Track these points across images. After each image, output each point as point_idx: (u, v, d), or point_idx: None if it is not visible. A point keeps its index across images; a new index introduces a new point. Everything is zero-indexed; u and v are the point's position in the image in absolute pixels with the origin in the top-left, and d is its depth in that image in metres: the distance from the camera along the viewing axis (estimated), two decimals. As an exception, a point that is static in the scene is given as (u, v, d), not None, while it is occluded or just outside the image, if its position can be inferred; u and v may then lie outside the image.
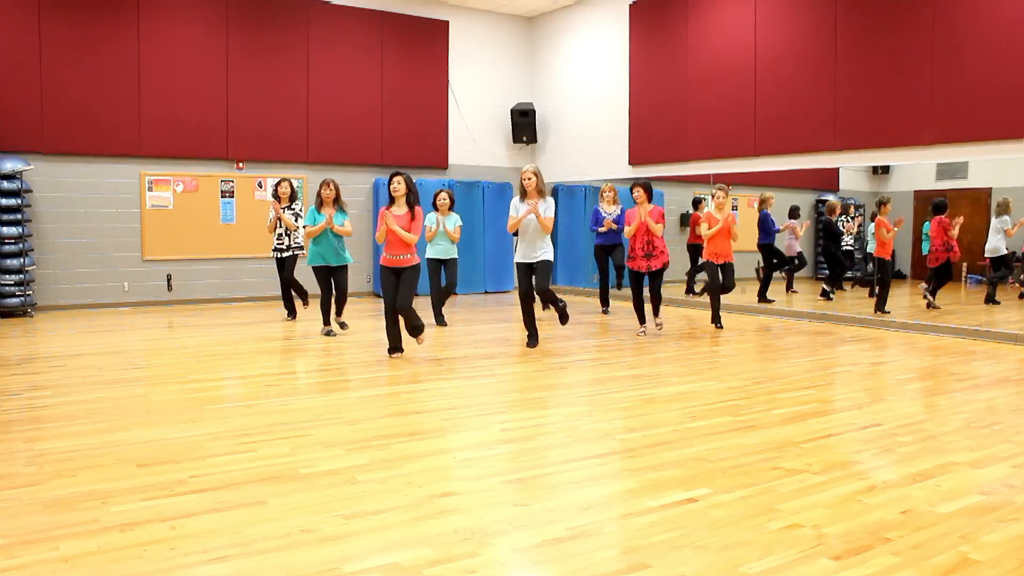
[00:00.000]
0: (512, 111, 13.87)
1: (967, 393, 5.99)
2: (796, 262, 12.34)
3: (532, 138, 13.95)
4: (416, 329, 7.09)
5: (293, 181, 9.61)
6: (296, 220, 9.22)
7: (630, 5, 12.41)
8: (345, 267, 8.44)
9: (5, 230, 9.67)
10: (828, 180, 14.83)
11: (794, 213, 12.37)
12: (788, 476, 3.87)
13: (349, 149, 12.48)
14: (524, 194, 7.49)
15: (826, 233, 12.16)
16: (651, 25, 12.13)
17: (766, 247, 11.50)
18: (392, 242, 6.91)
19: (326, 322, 8.50)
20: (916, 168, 13.75)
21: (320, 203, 8.25)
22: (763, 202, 11.48)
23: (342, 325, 8.72)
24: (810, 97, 10.05)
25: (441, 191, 9.22)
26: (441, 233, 9.10)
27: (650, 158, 12.28)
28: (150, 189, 11.15)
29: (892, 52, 9.23)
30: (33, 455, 4.12)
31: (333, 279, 8.42)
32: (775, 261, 11.65)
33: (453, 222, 9.14)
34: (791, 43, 10.26)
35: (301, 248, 9.35)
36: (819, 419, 5.06)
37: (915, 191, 13.92)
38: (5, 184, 9.65)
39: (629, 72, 12.47)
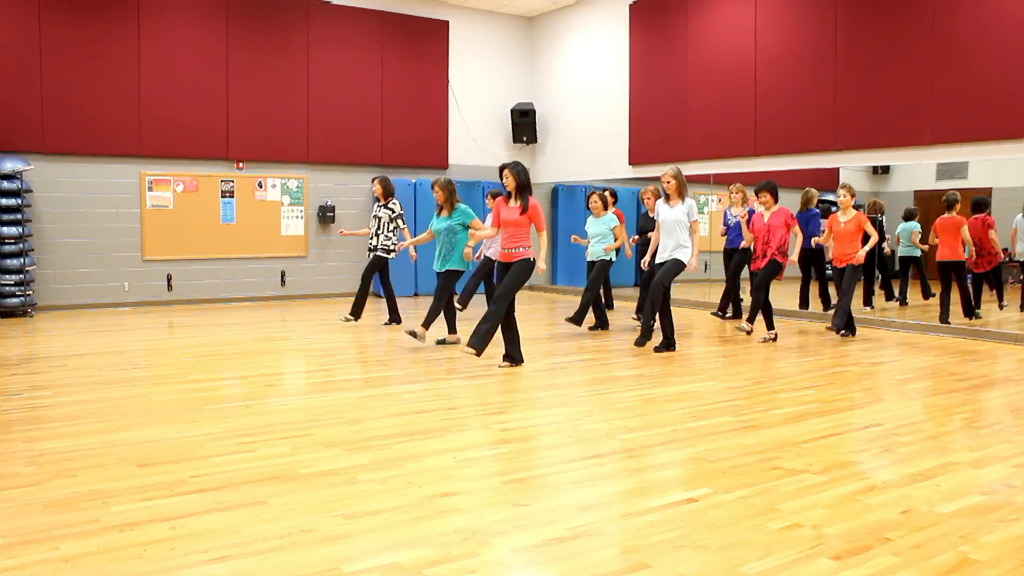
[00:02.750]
0: (512, 111, 13.87)
1: (967, 393, 5.99)
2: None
3: (532, 138, 13.95)
4: (481, 335, 6.48)
5: (389, 177, 9.18)
6: (392, 221, 8.84)
7: (630, 5, 12.41)
8: (446, 273, 7.67)
9: (5, 230, 9.67)
10: (828, 180, 14.82)
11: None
12: (788, 476, 3.87)
13: (349, 149, 12.48)
14: (668, 196, 7.58)
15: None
16: (651, 25, 12.13)
17: (811, 250, 9.99)
18: (503, 234, 6.69)
19: (451, 330, 7.90)
20: (916, 168, 13.74)
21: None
22: (808, 200, 10.31)
23: (439, 341, 7.83)
24: (810, 97, 10.05)
25: (592, 193, 8.95)
26: (593, 236, 8.78)
27: (650, 158, 12.28)
28: (150, 189, 11.15)
29: (892, 52, 9.23)
30: (33, 455, 4.12)
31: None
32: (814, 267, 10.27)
33: (604, 224, 8.74)
34: (791, 43, 10.26)
35: (388, 251, 8.91)
36: (819, 419, 5.06)
37: (915, 191, 13.92)
38: (5, 184, 9.65)
39: (629, 72, 12.47)
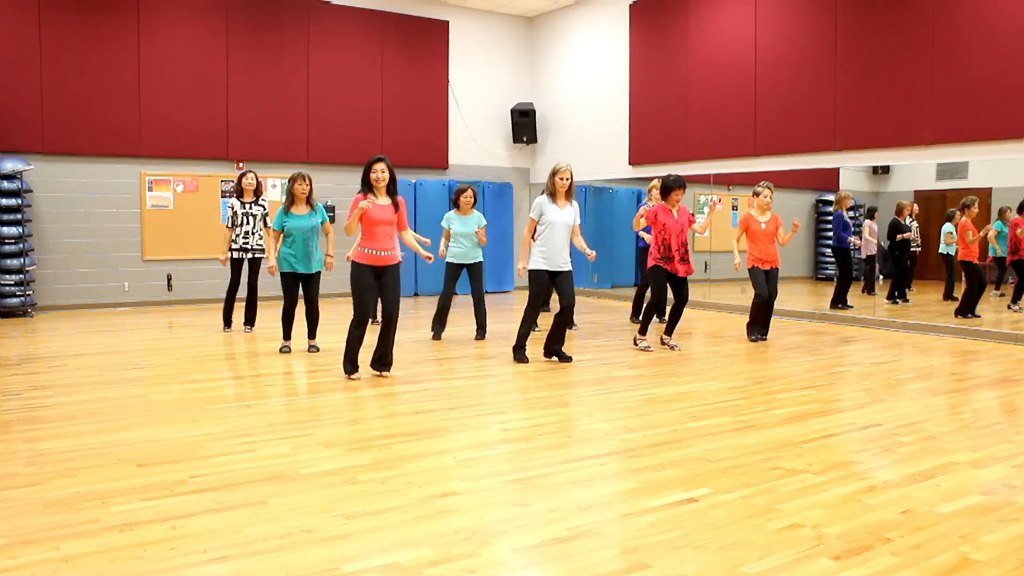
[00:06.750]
0: (512, 111, 13.87)
1: (967, 393, 5.99)
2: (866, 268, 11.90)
3: (532, 138, 13.95)
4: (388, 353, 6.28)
5: (257, 173, 8.83)
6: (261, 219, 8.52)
7: (630, 5, 12.41)
8: (318, 275, 7.41)
9: (5, 230, 9.67)
10: (828, 180, 14.82)
11: (870, 213, 12.09)
12: (788, 476, 3.87)
13: (349, 149, 12.47)
14: (554, 195, 6.81)
15: (891, 233, 11.37)
16: (651, 25, 12.13)
17: (841, 251, 10.80)
18: (379, 235, 5.99)
19: (286, 336, 7.52)
20: (916, 168, 13.73)
21: (292, 201, 7.24)
22: (839, 202, 10.80)
23: (312, 348, 7.52)
24: (810, 97, 10.05)
25: (467, 188, 8.39)
26: (465, 235, 8.28)
27: (650, 158, 12.28)
28: (150, 189, 11.15)
29: (892, 52, 9.23)
30: (33, 455, 4.12)
31: (303, 288, 7.40)
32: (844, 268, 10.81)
33: (476, 222, 8.32)
34: (791, 43, 10.26)
35: (263, 250, 8.51)
36: (819, 419, 5.06)
37: (915, 191, 13.91)
38: (5, 184, 9.65)
39: (629, 72, 12.47)
